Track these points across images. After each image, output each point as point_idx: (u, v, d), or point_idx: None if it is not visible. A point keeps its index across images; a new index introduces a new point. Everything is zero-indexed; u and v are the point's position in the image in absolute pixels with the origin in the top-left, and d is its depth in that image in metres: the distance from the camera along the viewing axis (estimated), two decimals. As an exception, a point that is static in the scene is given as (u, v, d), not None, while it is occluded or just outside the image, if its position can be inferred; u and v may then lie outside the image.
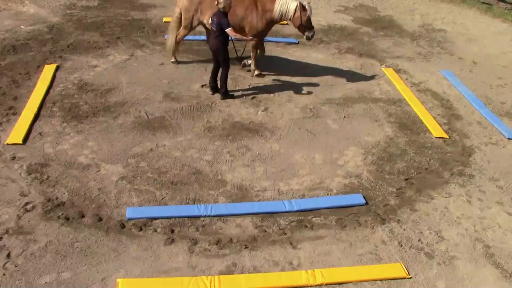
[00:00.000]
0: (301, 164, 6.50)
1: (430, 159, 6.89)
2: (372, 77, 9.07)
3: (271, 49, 9.64)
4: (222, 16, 6.99)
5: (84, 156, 6.20)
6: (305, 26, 7.89)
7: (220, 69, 7.56)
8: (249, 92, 8.08)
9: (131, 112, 7.22)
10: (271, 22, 8.07)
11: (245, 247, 5.11)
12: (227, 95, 7.67)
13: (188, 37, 9.82)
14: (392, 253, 5.23)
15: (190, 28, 8.29)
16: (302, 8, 7.77)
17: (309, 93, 8.26)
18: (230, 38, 7.23)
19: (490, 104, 8.55)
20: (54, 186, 5.66)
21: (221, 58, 7.37)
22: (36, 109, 6.94)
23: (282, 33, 10.59)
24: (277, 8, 7.84)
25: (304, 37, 8.03)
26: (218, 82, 7.70)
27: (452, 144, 7.30)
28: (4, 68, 8.02)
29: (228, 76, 7.63)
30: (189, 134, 6.87)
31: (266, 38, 9.95)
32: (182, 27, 8.29)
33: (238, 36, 7.25)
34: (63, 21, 10.05)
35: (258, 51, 8.52)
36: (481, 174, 6.68)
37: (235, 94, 7.87)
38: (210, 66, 8.71)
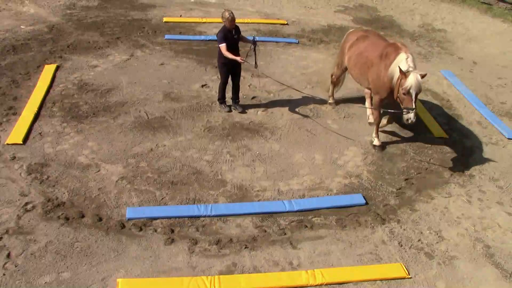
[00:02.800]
0: (301, 164, 6.50)
1: (430, 159, 6.88)
2: (372, 77, 9.06)
3: (271, 49, 9.64)
4: (221, 30, 6.88)
5: (84, 156, 6.20)
6: (401, 101, 6.12)
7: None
8: (249, 92, 8.08)
9: (131, 112, 7.22)
10: (390, 84, 6.33)
11: (245, 247, 5.11)
12: (220, 103, 7.51)
13: (188, 37, 9.87)
14: (392, 253, 5.23)
15: (340, 67, 7.55)
16: (402, 74, 5.99)
17: (309, 93, 8.25)
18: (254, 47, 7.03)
19: (490, 104, 8.55)
20: (54, 186, 5.66)
21: (218, 68, 7.31)
22: (36, 109, 6.95)
23: (282, 33, 10.59)
24: (392, 68, 6.25)
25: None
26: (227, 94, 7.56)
27: (452, 144, 7.30)
28: (4, 68, 8.03)
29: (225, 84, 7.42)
30: (189, 134, 6.87)
31: (266, 38, 10.01)
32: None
33: (228, 54, 6.70)
34: (63, 21, 10.05)
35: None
36: (481, 174, 6.67)
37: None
38: (210, 66, 8.77)
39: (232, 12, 6.76)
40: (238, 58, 6.79)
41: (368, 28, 7.59)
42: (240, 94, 7.66)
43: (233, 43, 6.90)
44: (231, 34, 6.86)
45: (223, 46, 6.79)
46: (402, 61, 6.13)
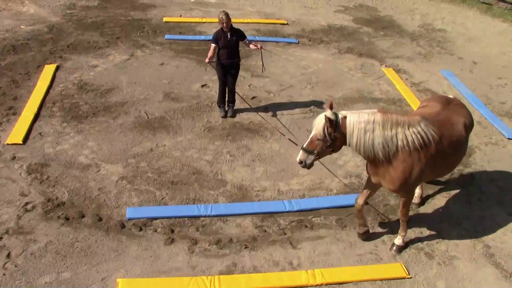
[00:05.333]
0: (301, 164, 6.49)
1: (430, 159, 6.87)
2: (372, 77, 9.07)
3: (271, 49, 9.63)
4: (216, 31, 6.91)
5: (84, 156, 6.20)
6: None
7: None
8: (249, 92, 8.08)
9: (131, 112, 7.22)
10: None
11: (245, 247, 5.11)
12: (218, 106, 7.44)
13: (188, 37, 9.87)
14: (392, 253, 5.23)
15: None
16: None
17: (309, 93, 8.25)
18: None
19: (490, 104, 8.55)
20: (54, 186, 5.66)
21: None
22: (36, 109, 6.95)
23: (282, 33, 10.60)
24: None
25: None
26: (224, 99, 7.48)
27: (452, 144, 7.29)
28: (4, 68, 8.03)
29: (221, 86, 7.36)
30: (189, 134, 6.87)
31: (266, 38, 10.02)
32: None
33: (209, 53, 6.90)
34: (63, 21, 10.05)
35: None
36: (481, 174, 6.67)
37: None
38: (210, 66, 8.73)
39: (225, 14, 6.72)
40: (207, 58, 6.94)
41: (450, 97, 6.05)
42: (240, 94, 7.61)
43: (228, 45, 6.87)
44: (225, 36, 6.83)
45: (212, 46, 6.91)
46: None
